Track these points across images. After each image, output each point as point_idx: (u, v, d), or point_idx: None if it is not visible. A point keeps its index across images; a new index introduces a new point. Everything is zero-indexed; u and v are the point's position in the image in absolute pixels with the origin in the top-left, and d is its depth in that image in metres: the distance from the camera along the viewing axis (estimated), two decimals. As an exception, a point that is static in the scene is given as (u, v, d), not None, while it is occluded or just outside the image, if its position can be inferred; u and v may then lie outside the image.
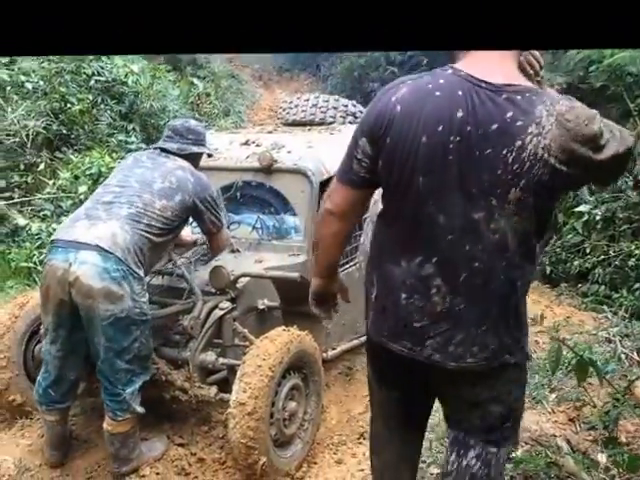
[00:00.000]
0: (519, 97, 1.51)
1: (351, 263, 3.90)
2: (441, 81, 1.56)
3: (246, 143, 4.13)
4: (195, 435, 3.15)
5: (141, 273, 2.80)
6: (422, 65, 8.56)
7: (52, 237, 2.92)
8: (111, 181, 3.03)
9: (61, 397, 2.90)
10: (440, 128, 1.53)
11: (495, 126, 1.49)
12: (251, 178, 3.80)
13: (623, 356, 2.95)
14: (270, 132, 4.49)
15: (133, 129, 6.35)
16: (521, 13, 0.63)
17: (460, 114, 1.51)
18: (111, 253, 2.68)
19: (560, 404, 2.91)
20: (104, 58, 6.48)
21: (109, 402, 2.80)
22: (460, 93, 1.53)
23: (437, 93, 1.55)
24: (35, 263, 4.79)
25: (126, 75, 6.51)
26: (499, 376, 1.70)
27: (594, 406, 2.50)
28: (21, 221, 5.10)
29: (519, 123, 1.49)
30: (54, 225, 4.97)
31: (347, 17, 0.62)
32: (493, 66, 1.55)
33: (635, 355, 2.96)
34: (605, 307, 4.03)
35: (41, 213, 5.41)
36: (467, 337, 1.63)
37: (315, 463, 3.16)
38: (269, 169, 3.70)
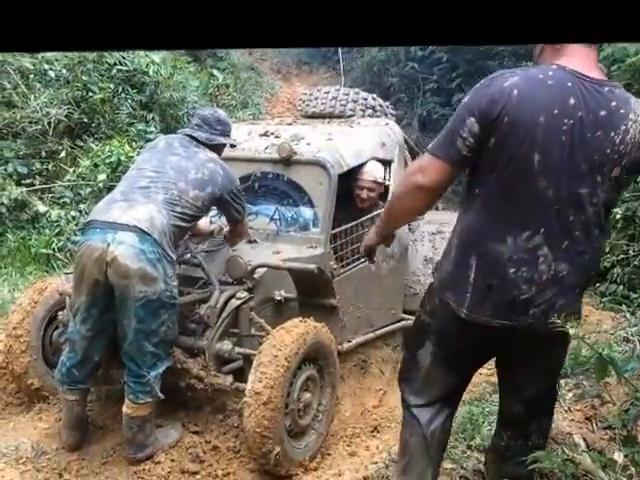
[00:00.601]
0: (617, 90, 1.76)
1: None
2: (550, 73, 1.74)
3: (265, 134, 4.12)
4: (210, 423, 3.16)
5: (174, 257, 2.87)
6: (442, 62, 8.48)
7: (88, 218, 2.96)
8: (145, 165, 3.04)
9: (84, 377, 2.94)
10: (555, 112, 1.70)
11: (603, 112, 1.72)
12: (270, 169, 3.80)
13: (643, 355, 2.91)
14: (289, 124, 4.48)
15: (152, 119, 6.35)
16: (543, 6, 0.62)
17: (572, 101, 1.71)
18: (149, 235, 2.73)
19: (577, 403, 2.88)
20: (126, 48, 6.50)
21: (132, 384, 2.83)
22: (569, 84, 1.72)
23: (549, 82, 1.72)
24: (54, 250, 4.83)
25: (147, 65, 6.52)
26: (568, 342, 1.91)
27: (613, 404, 2.46)
28: (41, 208, 5.14)
29: (622, 111, 1.73)
30: (73, 212, 5.01)
31: (363, 12, 0.61)
32: (590, 64, 1.78)
33: (654, 355, 2.93)
34: (623, 307, 3.98)
35: (61, 200, 5.45)
36: (566, 302, 1.83)
37: (329, 454, 3.16)
38: (288, 160, 3.70)
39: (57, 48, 0.66)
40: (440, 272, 2.01)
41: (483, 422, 3.17)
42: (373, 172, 3.93)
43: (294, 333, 2.95)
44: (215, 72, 8.16)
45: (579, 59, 1.78)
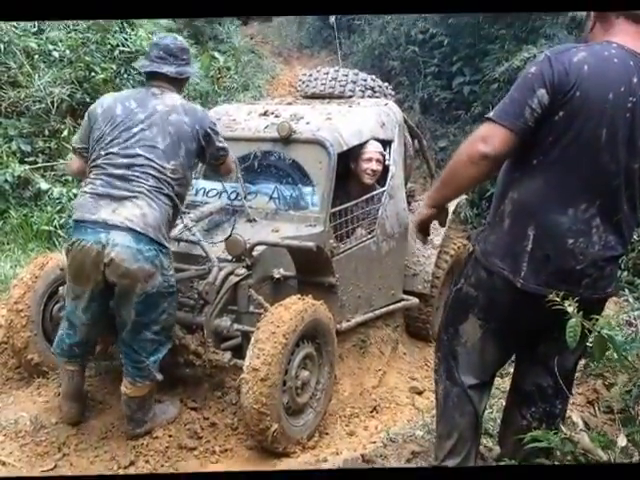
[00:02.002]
0: None
1: (369, 237, 3.82)
2: (613, 51, 1.79)
3: (265, 114, 4.05)
4: (208, 400, 3.10)
5: (169, 246, 2.78)
6: (443, 45, 8.32)
7: (75, 215, 2.77)
8: (113, 148, 2.73)
9: (84, 353, 2.92)
10: (622, 89, 1.76)
11: None
12: (269, 148, 3.73)
13: (645, 339, 2.84)
14: (289, 104, 4.40)
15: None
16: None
17: (635, 80, 1.77)
18: (143, 234, 2.63)
19: (579, 386, 2.82)
20: (128, 30, 6.43)
21: (130, 368, 2.77)
22: (631, 63, 1.78)
23: (615, 60, 1.78)
24: (55, 227, 4.78)
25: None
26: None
27: (614, 384, 2.40)
28: (44, 185, 5.09)
29: None
30: (74, 190, 4.95)
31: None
32: (637, 41, 1.83)
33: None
34: (627, 291, 3.91)
35: (63, 178, 5.40)
36: (613, 270, 1.92)
37: (327, 434, 3.12)
38: (287, 139, 3.62)
39: (58, 16, 0.60)
40: (487, 242, 1.98)
41: (484, 406, 3.12)
42: (375, 143, 3.88)
43: (292, 310, 2.89)
44: (216, 54, 8.04)
45: (631, 37, 1.83)
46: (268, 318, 2.85)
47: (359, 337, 3.87)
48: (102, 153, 2.75)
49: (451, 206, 4.46)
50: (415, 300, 4.18)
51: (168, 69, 2.83)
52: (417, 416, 3.28)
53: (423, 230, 2.18)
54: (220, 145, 2.95)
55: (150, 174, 2.70)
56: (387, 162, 3.93)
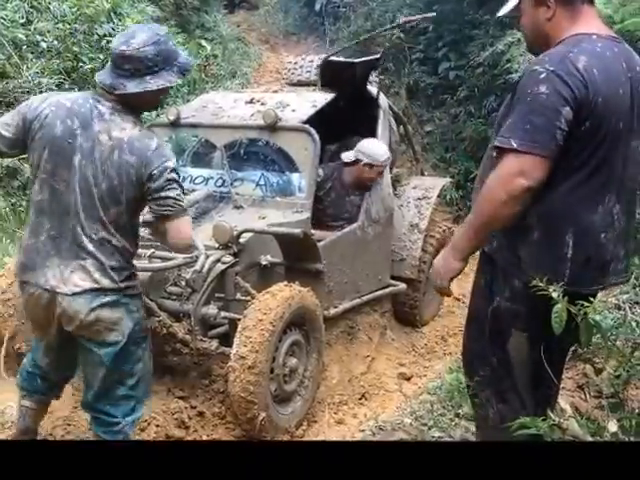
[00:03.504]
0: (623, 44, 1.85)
1: (352, 223, 3.74)
2: (599, 44, 1.76)
3: (251, 102, 3.96)
4: (195, 389, 3.03)
5: (134, 284, 2.23)
6: (428, 31, 8.20)
7: (19, 270, 2.21)
8: (58, 184, 2.09)
9: (45, 391, 2.47)
10: (623, 79, 1.75)
11: (639, 68, 1.81)
12: (255, 136, 3.64)
13: (634, 324, 2.78)
14: (275, 91, 4.30)
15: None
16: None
17: (624, 65, 1.77)
18: (98, 290, 2.11)
19: (568, 370, 2.76)
20: (116, 20, 6.30)
21: (102, 434, 2.27)
22: (616, 50, 1.77)
23: (608, 54, 1.75)
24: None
25: (137, 37, 6.31)
26: None
27: (603, 369, 2.34)
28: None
29: None
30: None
31: None
32: (602, 24, 1.84)
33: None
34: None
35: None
36: (625, 253, 1.90)
37: (315, 422, 3.05)
38: (273, 127, 3.53)
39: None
40: (515, 255, 1.85)
41: (471, 389, 3.06)
42: (386, 151, 3.81)
43: (279, 297, 2.81)
44: (203, 42, 7.88)
45: (596, 22, 1.81)
46: (255, 305, 2.77)
47: (347, 323, 3.80)
48: (41, 188, 2.12)
49: (436, 189, 4.40)
50: (403, 285, 4.11)
51: (103, 78, 2.12)
52: (405, 403, 3.23)
53: (446, 289, 1.95)
54: (169, 195, 2.10)
55: (92, 231, 2.09)
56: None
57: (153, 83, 2.09)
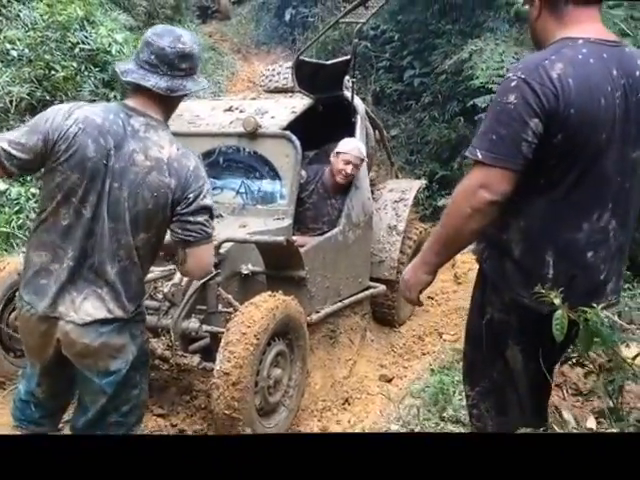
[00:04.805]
0: (629, 48, 1.64)
1: (333, 226, 3.48)
2: (584, 50, 1.53)
3: (229, 109, 3.66)
4: (176, 405, 2.73)
5: (142, 309, 1.93)
6: (393, 40, 8.07)
7: (25, 295, 1.82)
8: (84, 209, 1.75)
9: (40, 421, 2.02)
10: (609, 89, 1.52)
11: (638, 73, 1.56)
12: (235, 143, 3.35)
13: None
14: (253, 99, 4.01)
15: (114, 97, 5.75)
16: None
17: (615, 72, 1.53)
18: (109, 319, 1.80)
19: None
20: (89, 27, 5.91)
21: None
22: (605, 55, 1.54)
23: (591, 60, 1.52)
24: (14, 228, 4.27)
25: (110, 44, 5.97)
26: None
27: (596, 372, 2.16)
28: (1, 186, 4.53)
29: None
30: (33, 190, 4.44)
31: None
32: (601, 26, 1.60)
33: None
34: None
35: (21, 178, 4.85)
36: (621, 272, 1.71)
37: (299, 431, 2.78)
38: (253, 134, 3.24)
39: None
40: (500, 270, 1.68)
41: (454, 392, 2.84)
42: (360, 148, 3.55)
43: (263, 308, 2.54)
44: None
45: (589, 24, 1.57)
46: (238, 318, 2.49)
47: (329, 327, 3.54)
48: (66, 214, 1.76)
49: (412, 191, 4.17)
50: (382, 287, 3.87)
51: (156, 82, 1.75)
52: (389, 407, 3.01)
53: (417, 299, 1.79)
54: (198, 220, 1.79)
55: (119, 254, 1.77)
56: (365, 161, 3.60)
57: (202, 82, 1.85)
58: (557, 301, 1.53)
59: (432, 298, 4.85)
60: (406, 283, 1.75)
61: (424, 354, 3.96)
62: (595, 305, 1.57)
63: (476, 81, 6.45)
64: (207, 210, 1.82)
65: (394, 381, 3.52)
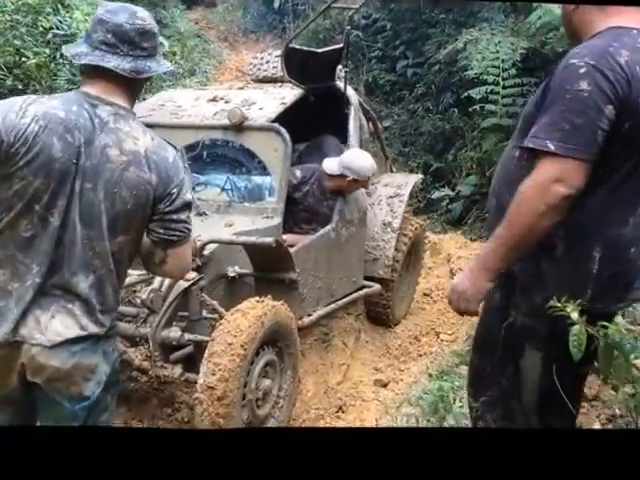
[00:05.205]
0: None
1: (326, 225, 3.29)
2: None
3: (214, 100, 3.44)
4: (157, 419, 2.52)
5: (115, 324, 1.69)
6: (386, 29, 7.89)
7: None
8: (33, 230, 1.51)
9: None
10: None
11: None
12: (220, 136, 3.12)
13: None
14: (240, 88, 3.78)
15: (94, 85, 5.48)
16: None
17: None
18: (82, 337, 1.57)
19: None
20: (63, 11, 5.60)
21: None
22: None
23: None
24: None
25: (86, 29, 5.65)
26: None
27: (614, 388, 2.03)
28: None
29: None
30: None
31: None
32: None
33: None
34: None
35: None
36: None
37: (291, 444, 2.60)
38: (239, 126, 3.02)
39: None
40: (535, 270, 1.61)
41: (454, 399, 2.67)
42: (373, 166, 3.38)
43: (251, 316, 2.34)
44: (161, 39, 7.17)
45: (633, 13, 1.52)
46: (224, 327, 2.30)
47: (321, 330, 3.36)
48: (29, 224, 1.52)
49: (408, 187, 3.98)
50: (377, 286, 3.68)
51: (118, 63, 1.53)
52: (384, 413, 2.84)
53: (475, 310, 1.66)
54: (181, 217, 1.60)
55: (93, 263, 1.55)
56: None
57: (165, 63, 1.64)
58: (575, 315, 1.43)
59: (428, 295, 4.70)
60: (462, 294, 1.60)
61: (420, 355, 3.80)
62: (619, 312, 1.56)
63: (471, 72, 6.32)
64: (189, 206, 1.64)
65: (390, 385, 3.35)
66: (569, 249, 1.56)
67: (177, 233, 1.59)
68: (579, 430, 1.73)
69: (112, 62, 1.52)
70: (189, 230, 1.63)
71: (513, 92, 6.05)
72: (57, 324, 1.53)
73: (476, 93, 6.19)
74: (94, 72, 1.55)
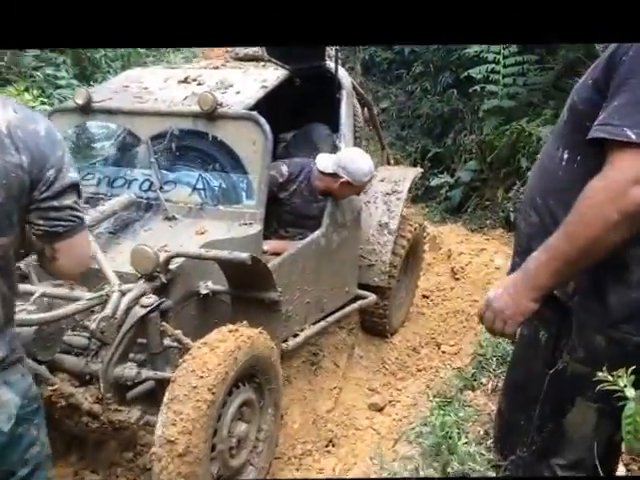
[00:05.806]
0: None
1: (316, 230, 2.86)
2: None
3: (185, 81, 2.96)
4: (114, 467, 2.13)
5: (18, 344, 1.34)
6: (383, 3, 7.38)
7: None
8: None
9: None
10: None
11: None
12: (190, 126, 2.66)
13: None
14: (216, 67, 3.29)
15: (64, 62, 4.91)
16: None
17: None
18: None
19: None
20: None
21: None
22: None
23: None
24: None
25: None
26: None
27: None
28: None
29: None
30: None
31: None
32: None
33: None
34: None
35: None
36: None
37: (272, 484, 2.23)
38: (211, 114, 2.57)
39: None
40: (601, 303, 1.36)
41: (459, 436, 2.29)
42: (372, 170, 2.94)
43: (221, 351, 1.94)
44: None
45: None
46: (187, 365, 1.89)
47: (310, 350, 2.96)
48: None
49: (407, 182, 3.56)
50: (373, 297, 3.27)
51: None
52: (379, 447, 2.47)
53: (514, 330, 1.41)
54: (64, 203, 1.28)
55: None
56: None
57: None
58: (631, 393, 1.14)
59: (427, 297, 4.33)
60: (500, 313, 1.36)
61: (420, 370, 3.42)
62: None
63: (470, 50, 6.01)
64: (74, 187, 1.31)
65: (386, 409, 2.97)
66: None
67: (62, 223, 1.29)
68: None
69: None
70: (79, 218, 1.32)
71: (514, 71, 5.73)
72: None
73: (476, 73, 5.86)
74: None
